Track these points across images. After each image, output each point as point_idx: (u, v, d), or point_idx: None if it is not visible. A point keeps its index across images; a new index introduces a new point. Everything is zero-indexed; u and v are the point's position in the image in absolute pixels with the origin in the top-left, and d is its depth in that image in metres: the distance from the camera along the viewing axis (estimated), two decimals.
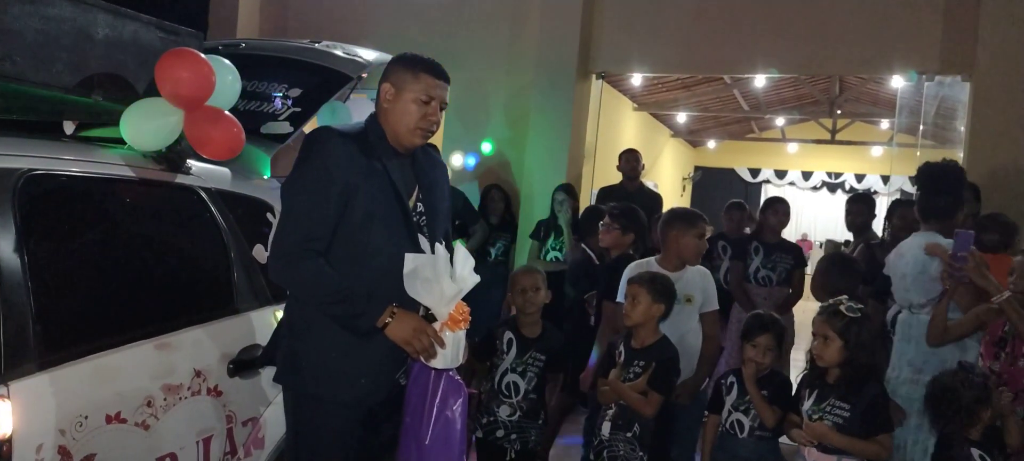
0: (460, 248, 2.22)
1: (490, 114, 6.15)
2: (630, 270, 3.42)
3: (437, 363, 2.16)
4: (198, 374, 2.27)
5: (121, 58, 2.31)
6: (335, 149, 2.12)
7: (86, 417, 1.93)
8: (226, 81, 2.51)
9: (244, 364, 2.43)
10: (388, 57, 3.56)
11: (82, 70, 2.18)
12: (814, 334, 2.72)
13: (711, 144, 18.29)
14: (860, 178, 19.14)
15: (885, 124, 14.03)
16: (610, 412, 2.97)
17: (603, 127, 7.24)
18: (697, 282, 3.38)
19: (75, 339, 1.98)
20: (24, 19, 2.02)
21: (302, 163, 2.15)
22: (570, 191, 5.26)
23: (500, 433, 3.06)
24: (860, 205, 5.05)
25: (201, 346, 2.31)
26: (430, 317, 2.18)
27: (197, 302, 2.39)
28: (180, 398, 2.21)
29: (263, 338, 2.51)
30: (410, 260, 2.12)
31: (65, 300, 2.01)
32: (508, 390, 3.06)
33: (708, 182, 19.38)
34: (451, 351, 2.16)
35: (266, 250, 2.68)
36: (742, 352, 3.04)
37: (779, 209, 4.96)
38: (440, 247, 2.19)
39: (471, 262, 2.20)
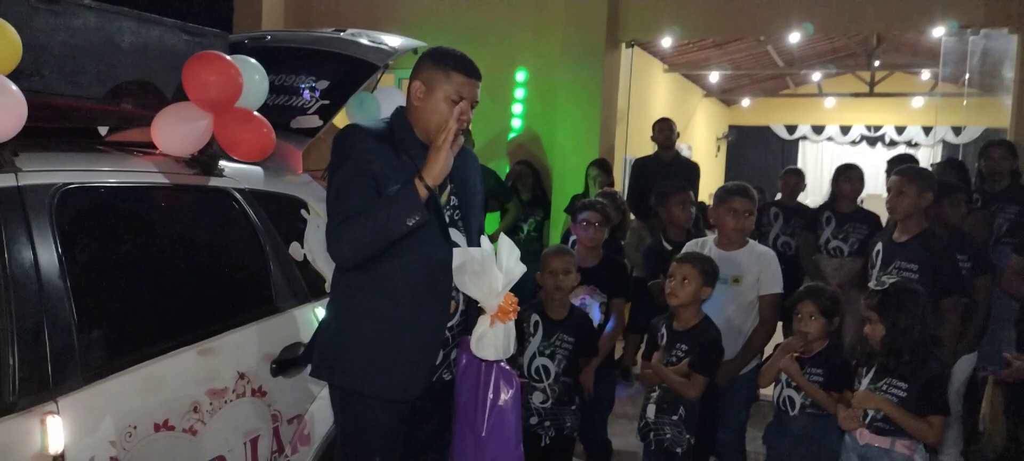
0: (504, 239, 2.18)
1: (518, 88, 6.07)
2: (687, 248, 3.38)
3: (487, 354, 2.16)
4: (242, 376, 2.29)
5: (148, 64, 2.31)
6: (364, 142, 2.12)
7: (135, 427, 1.96)
8: (253, 81, 2.49)
9: (287, 363, 2.43)
10: (413, 43, 3.56)
11: (110, 79, 2.18)
12: (864, 317, 2.66)
13: (745, 102, 17.92)
14: (901, 130, 18.62)
15: (926, 74, 13.58)
16: (655, 395, 2.94)
17: (634, 90, 7.12)
18: (751, 263, 3.28)
19: (120, 350, 2.00)
20: (50, 33, 2.02)
21: (335, 165, 2.15)
22: (604, 166, 5.19)
23: (533, 420, 3.04)
24: (899, 165, 4.87)
25: (243, 348, 2.32)
26: (479, 310, 2.17)
27: (237, 304, 2.40)
28: (225, 401, 2.22)
29: (304, 336, 2.52)
30: (458, 254, 2.11)
31: (108, 312, 2.03)
32: (538, 374, 3.03)
33: (743, 141, 19.04)
34: (503, 342, 2.16)
35: (302, 247, 2.70)
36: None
37: (852, 176, 4.77)
38: (485, 240, 2.18)
39: (516, 252, 2.18)
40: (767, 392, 3.33)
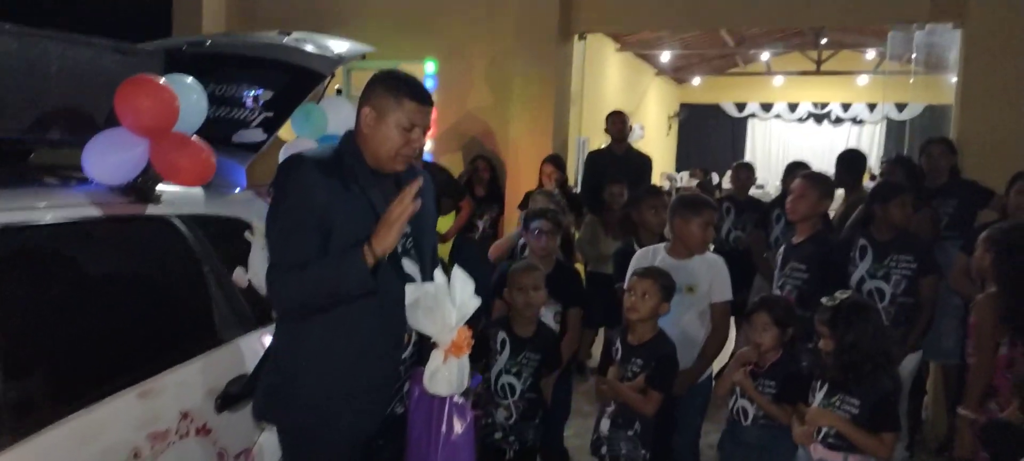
0: (459, 272, 2.13)
1: (472, 82, 5.97)
2: (638, 259, 3.36)
3: (441, 390, 2.11)
4: (185, 416, 2.19)
5: (78, 89, 2.17)
6: (308, 176, 2.01)
7: None
8: (191, 102, 2.37)
9: (232, 397, 2.34)
10: (362, 48, 3.45)
11: (36, 109, 2.04)
12: (817, 330, 2.68)
13: (696, 80, 18.08)
14: (846, 107, 19.02)
15: (871, 53, 13.87)
16: (609, 409, 2.93)
17: (587, 71, 7.08)
18: (703, 271, 3.29)
19: (52, 401, 1.88)
20: None
21: (277, 200, 2.05)
22: (557, 162, 5.15)
23: (498, 435, 3.02)
24: (848, 162, 4.95)
25: (186, 386, 2.22)
26: (432, 343, 2.11)
27: (178, 339, 2.30)
28: (168, 443, 2.13)
29: (250, 366, 2.43)
30: (411, 291, 2.05)
31: (36, 360, 1.91)
32: (503, 392, 3.01)
33: (694, 119, 19.25)
34: (456, 377, 2.11)
35: (246, 272, 2.60)
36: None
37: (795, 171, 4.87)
38: (439, 273, 2.10)
39: (471, 285, 2.12)
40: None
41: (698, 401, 3.34)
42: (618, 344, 2.99)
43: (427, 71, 6.09)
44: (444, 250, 5.18)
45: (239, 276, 2.56)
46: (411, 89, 2.06)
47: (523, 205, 5.32)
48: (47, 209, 2.02)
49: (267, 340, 2.44)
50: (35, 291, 1.97)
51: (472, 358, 3.06)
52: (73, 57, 2.14)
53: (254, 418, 2.21)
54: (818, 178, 3.57)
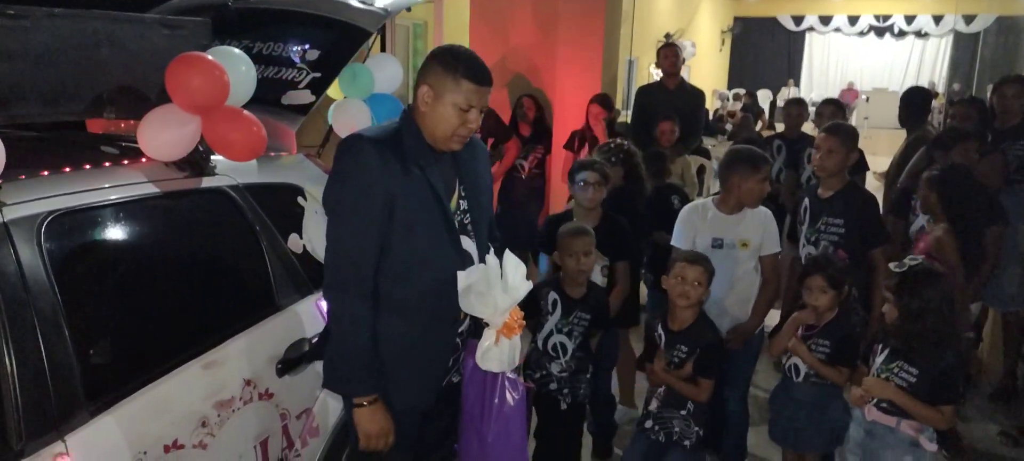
0: (510, 256, 2.15)
1: (516, 17, 5.82)
2: (687, 215, 3.31)
3: (493, 367, 2.16)
4: (248, 383, 2.28)
5: (128, 67, 2.18)
6: (369, 160, 2.01)
7: (145, 453, 1.96)
8: (240, 73, 2.37)
9: (292, 362, 2.43)
10: (406, 0, 3.38)
11: (90, 91, 2.07)
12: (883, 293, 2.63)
13: None
14: (910, 20, 18.12)
15: None
16: (660, 390, 2.95)
17: None
18: (755, 225, 3.24)
19: (124, 377, 1.97)
20: (19, 54, 1.89)
21: (339, 179, 2.06)
22: (606, 102, 5.03)
23: (553, 385, 3.08)
24: (915, 99, 4.74)
25: (247, 354, 2.30)
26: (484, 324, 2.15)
27: (238, 309, 2.37)
28: (233, 411, 2.22)
29: (308, 330, 2.51)
30: (462, 278, 2.07)
31: (107, 338, 2.00)
32: (555, 350, 3.05)
33: (748, 34, 18.61)
34: (507, 356, 2.16)
35: (301, 238, 2.64)
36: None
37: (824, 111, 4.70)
38: (490, 257, 2.12)
39: (522, 268, 2.14)
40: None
41: (749, 354, 3.34)
42: (659, 330, 2.98)
43: (516, 8, 5.89)
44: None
45: (294, 242, 2.60)
46: (469, 69, 2.02)
47: (569, 145, 5.27)
48: (105, 189, 2.07)
49: (323, 305, 2.50)
50: (101, 271, 2.05)
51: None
52: (122, 35, 2.15)
53: (324, 386, 2.28)
54: (843, 131, 3.41)
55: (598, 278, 3.40)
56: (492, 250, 2.20)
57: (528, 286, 2.13)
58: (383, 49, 6.80)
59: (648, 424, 2.94)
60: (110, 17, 2.12)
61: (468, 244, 2.18)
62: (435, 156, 2.11)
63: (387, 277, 2.08)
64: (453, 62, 2.03)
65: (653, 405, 2.94)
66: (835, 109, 4.93)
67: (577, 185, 3.43)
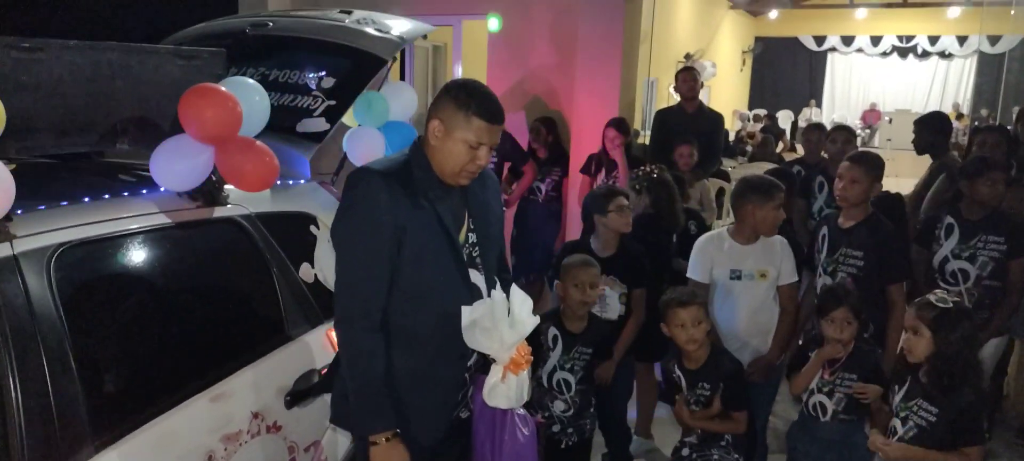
0: (517, 291, 2.13)
1: (535, 39, 5.82)
2: (702, 246, 3.26)
3: (500, 403, 2.12)
4: (256, 416, 2.26)
5: (142, 98, 2.18)
6: (378, 193, 1.99)
7: None
8: (254, 104, 2.37)
9: (301, 394, 2.41)
10: (423, 28, 3.38)
11: (103, 123, 2.07)
12: (906, 328, 2.55)
13: (772, 14, 17.28)
14: (934, 40, 17.93)
15: None
16: (693, 435, 2.91)
17: (656, 5, 6.78)
18: (772, 255, 3.19)
19: (131, 410, 1.96)
20: (33, 87, 1.90)
21: (347, 213, 2.04)
22: (622, 127, 5.00)
23: (556, 428, 3.03)
24: (928, 127, 4.65)
25: (256, 386, 2.29)
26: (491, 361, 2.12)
27: (247, 340, 2.36)
28: (240, 444, 2.20)
29: (318, 361, 2.49)
30: (467, 313, 2.04)
31: (114, 371, 1.99)
32: (560, 387, 3.01)
33: (769, 54, 18.50)
34: (515, 392, 2.12)
35: (313, 267, 2.63)
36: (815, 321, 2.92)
37: (841, 137, 4.64)
38: (496, 292, 2.09)
39: (529, 303, 2.11)
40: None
41: (768, 388, 3.28)
42: (677, 371, 2.93)
43: (491, 27, 5.96)
44: (508, 215, 5.15)
45: (306, 272, 2.59)
46: (481, 106, 2.00)
47: (585, 169, 5.23)
48: (116, 220, 2.07)
49: (334, 334, 2.48)
50: (111, 303, 2.04)
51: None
52: (136, 67, 2.16)
53: (331, 421, 2.25)
54: (868, 160, 3.31)
55: (617, 306, 3.36)
56: (499, 284, 2.16)
57: (535, 321, 2.10)
58: (402, 71, 6.85)
59: (685, 452, 2.89)
60: (124, 48, 2.12)
61: (476, 277, 2.16)
62: (444, 189, 2.09)
63: (395, 310, 2.05)
64: (466, 99, 2.00)
65: (692, 436, 2.90)
66: (848, 136, 4.83)
67: (611, 212, 3.36)
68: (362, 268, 2.00)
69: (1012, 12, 7.00)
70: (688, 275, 3.28)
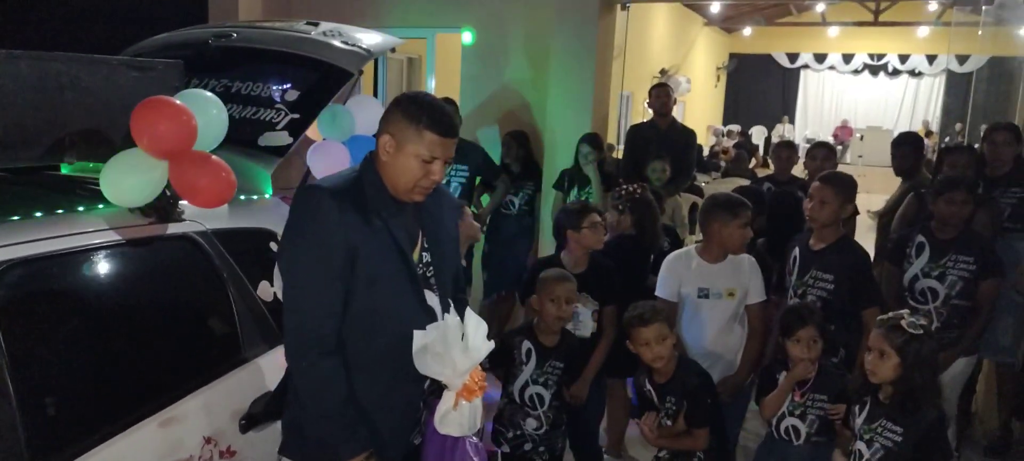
0: (471, 314, 2.04)
1: (509, 53, 5.79)
2: (670, 265, 3.23)
3: (452, 431, 2.04)
4: (209, 441, 2.18)
5: (93, 111, 2.10)
6: (329, 213, 1.91)
7: None
8: (210, 117, 2.29)
9: (257, 417, 2.33)
10: (392, 41, 3.33)
11: (50, 135, 1.98)
12: (869, 348, 2.53)
13: (747, 31, 17.47)
14: (904, 59, 18.23)
15: (933, 4, 13.14)
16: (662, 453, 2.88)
17: (631, 20, 6.77)
18: (740, 273, 3.17)
19: (73, 437, 1.87)
20: None
21: (295, 235, 1.95)
22: (596, 142, 4.97)
23: (528, 446, 2.97)
24: (905, 149, 4.69)
25: (208, 410, 2.20)
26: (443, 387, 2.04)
27: (201, 362, 2.27)
28: None
29: (275, 383, 2.41)
30: (419, 337, 1.96)
31: (57, 396, 1.89)
32: (532, 402, 2.95)
33: (744, 70, 18.67)
34: (468, 419, 2.04)
35: (271, 286, 2.55)
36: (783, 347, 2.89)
37: (819, 154, 4.66)
38: (450, 316, 2.02)
39: (484, 328, 2.03)
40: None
41: (737, 408, 3.25)
42: (648, 385, 2.89)
43: (464, 41, 5.92)
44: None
45: (264, 290, 2.52)
46: (433, 120, 1.93)
47: (558, 185, 5.20)
48: (64, 238, 1.98)
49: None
50: (55, 322, 1.95)
51: (493, 366, 3.05)
52: (87, 78, 2.07)
53: (280, 454, 2.16)
54: (838, 181, 3.28)
55: (590, 323, 3.31)
56: (453, 307, 2.08)
57: (489, 347, 2.02)
58: (375, 84, 6.78)
59: None
60: (73, 59, 2.05)
61: (432, 299, 2.08)
62: (398, 206, 2.01)
63: (350, 334, 1.97)
64: (417, 112, 1.93)
65: (663, 453, 2.86)
66: (828, 152, 4.84)
67: (585, 228, 3.32)
68: (315, 292, 1.92)
69: (979, 32, 7.14)
70: (656, 293, 3.25)
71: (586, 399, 3.20)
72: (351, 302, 1.96)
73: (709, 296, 3.16)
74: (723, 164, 10.93)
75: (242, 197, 2.65)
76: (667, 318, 2.84)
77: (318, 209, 1.91)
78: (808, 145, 6.25)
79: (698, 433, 2.75)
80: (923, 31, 15.45)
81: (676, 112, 5.58)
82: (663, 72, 12.49)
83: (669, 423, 2.83)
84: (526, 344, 2.96)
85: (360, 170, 2.04)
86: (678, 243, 4.24)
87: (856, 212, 4.51)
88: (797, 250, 3.40)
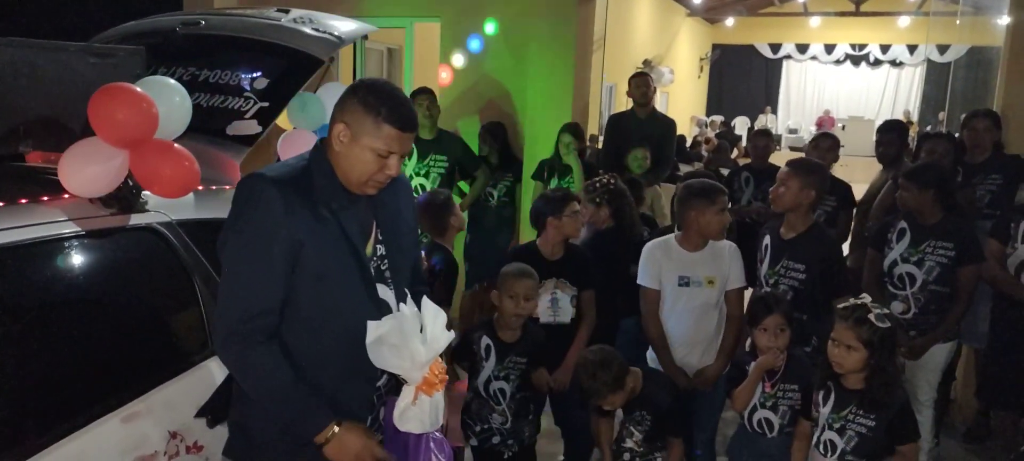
0: (428, 304, 1.95)
1: (489, 42, 5.73)
2: (648, 253, 3.21)
3: (413, 428, 1.96)
4: (174, 435, 2.13)
5: (50, 98, 2.04)
6: (272, 203, 1.78)
7: None
8: (173, 105, 2.24)
9: (224, 411, 2.27)
10: (365, 28, 3.27)
11: (5, 123, 1.92)
12: (833, 339, 2.50)
13: (729, 21, 17.50)
14: (885, 49, 18.34)
15: None
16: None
17: (612, 10, 6.74)
18: (721, 261, 3.14)
19: (28, 434, 1.81)
20: None
21: (236, 225, 1.83)
22: (576, 132, 4.94)
23: (496, 439, 2.96)
24: (891, 135, 4.69)
25: (173, 404, 2.15)
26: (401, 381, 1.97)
27: (166, 356, 2.22)
28: None
29: None
30: (373, 329, 1.86)
31: (12, 392, 1.84)
32: (496, 397, 2.93)
33: (727, 61, 18.73)
34: (429, 415, 1.96)
35: None
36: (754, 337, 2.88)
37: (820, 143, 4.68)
38: (406, 306, 1.94)
39: (443, 318, 1.94)
40: None
41: (716, 397, 3.23)
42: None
43: (487, 32, 5.78)
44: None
45: None
46: (392, 112, 1.81)
47: (537, 175, 5.16)
48: (20, 228, 1.92)
49: None
50: (10, 316, 1.89)
51: (456, 360, 3.02)
52: (44, 65, 2.01)
53: (224, 454, 2.08)
54: (802, 167, 3.28)
55: (569, 309, 3.28)
56: (410, 298, 2.00)
57: (449, 337, 1.94)
58: (354, 74, 6.70)
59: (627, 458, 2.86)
60: (29, 44, 1.98)
61: (385, 293, 1.97)
62: (350, 197, 1.89)
63: (295, 331, 1.87)
64: (375, 103, 1.80)
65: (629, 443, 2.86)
66: (832, 143, 4.83)
67: (566, 215, 3.28)
68: (252, 286, 1.80)
69: (958, 22, 7.18)
70: (639, 282, 3.22)
71: (571, 388, 3.17)
72: (297, 299, 1.85)
73: (689, 284, 3.14)
74: (706, 154, 10.92)
75: (214, 187, 2.59)
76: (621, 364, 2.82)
77: (260, 199, 1.79)
78: (791, 135, 6.26)
79: (674, 445, 2.82)
80: (904, 21, 15.55)
81: (660, 103, 5.57)
82: (646, 63, 12.47)
83: (636, 432, 2.85)
84: (486, 340, 2.92)
85: (310, 158, 1.92)
86: (658, 233, 4.21)
87: (852, 203, 4.50)
88: (768, 238, 3.38)
